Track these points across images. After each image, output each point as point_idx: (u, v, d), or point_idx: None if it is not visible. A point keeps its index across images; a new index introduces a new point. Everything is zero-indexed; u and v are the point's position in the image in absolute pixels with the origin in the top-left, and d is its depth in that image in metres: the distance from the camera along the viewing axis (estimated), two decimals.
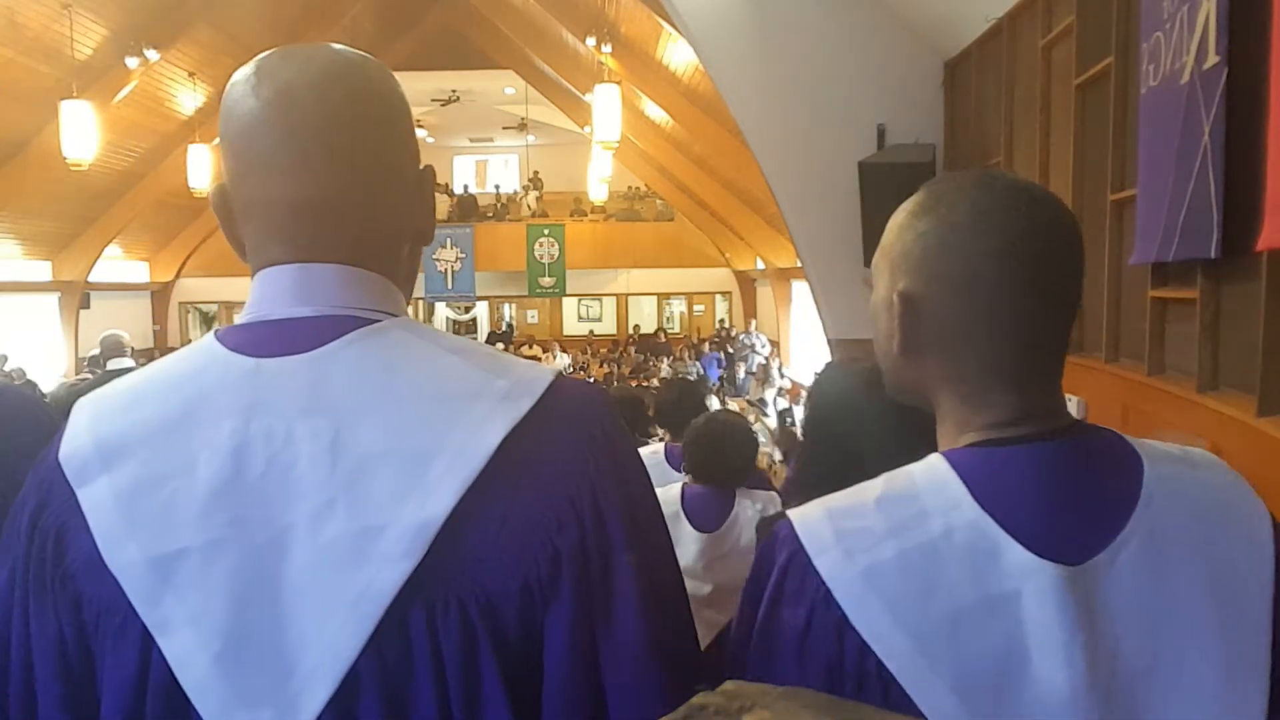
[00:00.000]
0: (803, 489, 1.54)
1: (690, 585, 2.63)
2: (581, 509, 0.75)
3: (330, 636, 0.71)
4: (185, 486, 0.73)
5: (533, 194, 18.90)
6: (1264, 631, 0.76)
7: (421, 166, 0.86)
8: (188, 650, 0.71)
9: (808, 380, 11.92)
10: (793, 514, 0.81)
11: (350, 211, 0.79)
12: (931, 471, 0.79)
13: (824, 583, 0.76)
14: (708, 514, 2.65)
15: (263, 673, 0.71)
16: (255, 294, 0.80)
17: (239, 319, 0.81)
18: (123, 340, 5.24)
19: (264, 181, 0.78)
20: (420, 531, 0.71)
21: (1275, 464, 2.26)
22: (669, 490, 2.64)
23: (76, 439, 0.78)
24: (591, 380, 13.90)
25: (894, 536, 0.76)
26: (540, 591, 0.73)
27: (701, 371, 14.11)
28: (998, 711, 0.72)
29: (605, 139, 9.91)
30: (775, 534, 0.81)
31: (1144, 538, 0.75)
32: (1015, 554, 0.74)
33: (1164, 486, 0.78)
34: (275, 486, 0.73)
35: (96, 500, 0.75)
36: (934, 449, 0.84)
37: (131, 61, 9.32)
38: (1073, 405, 3.46)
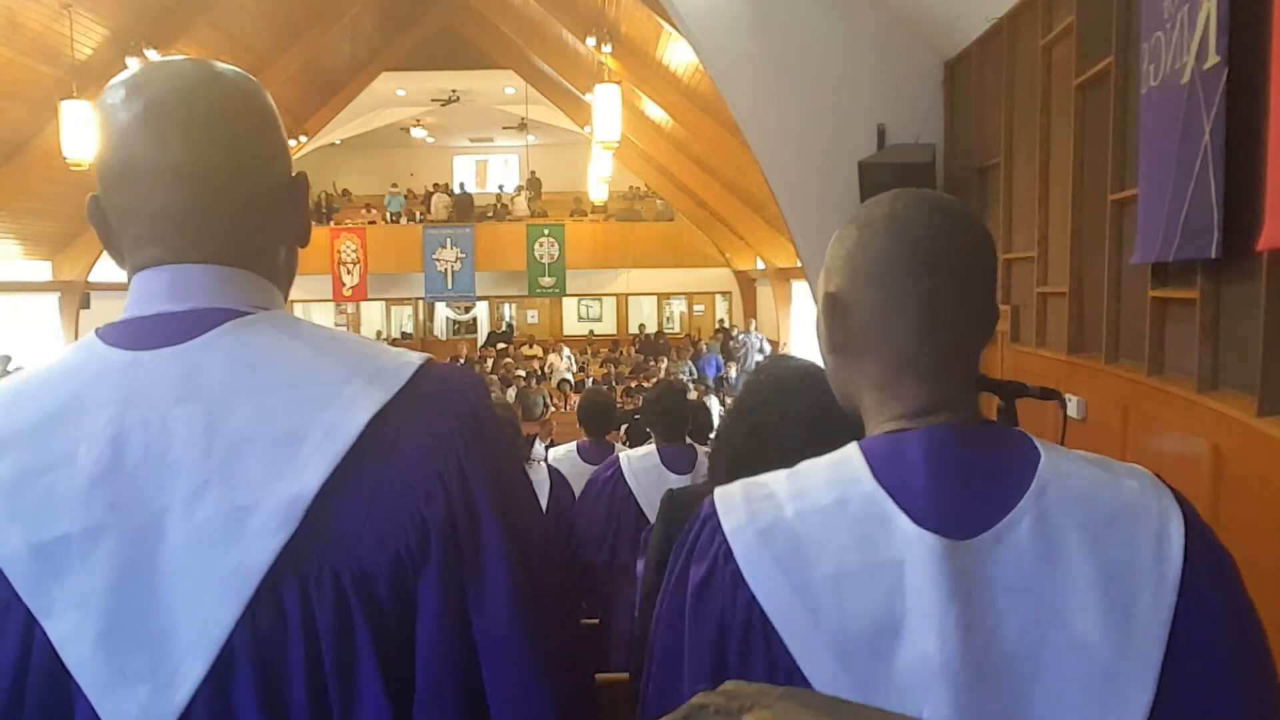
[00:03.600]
0: (717, 465, 1.60)
1: None
2: (449, 482, 0.78)
3: (204, 613, 0.74)
4: (66, 476, 0.76)
5: (524, 194, 18.91)
6: (1158, 639, 0.76)
7: (295, 174, 0.90)
8: (71, 632, 0.74)
9: None
10: (717, 490, 0.87)
11: (218, 217, 0.84)
12: (841, 453, 0.86)
13: (725, 539, 0.82)
14: (680, 462, 3.28)
15: (142, 650, 0.74)
16: (133, 294, 0.84)
17: (119, 318, 0.84)
18: None
19: (136, 191, 0.83)
20: (291, 506, 0.74)
21: (1275, 464, 2.26)
22: (650, 455, 3.25)
23: None
24: (591, 380, 13.90)
25: (793, 501, 0.82)
26: (411, 561, 0.77)
27: (695, 373, 14.09)
28: (871, 673, 0.76)
29: (605, 139, 9.91)
30: (700, 507, 0.87)
31: (1034, 523, 0.79)
32: (902, 525, 0.79)
33: (1061, 481, 0.81)
34: (152, 471, 0.76)
35: None
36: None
37: (131, 61, 9.32)
38: (1073, 405, 3.47)
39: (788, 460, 0.88)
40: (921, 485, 0.80)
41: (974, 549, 0.78)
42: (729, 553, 0.81)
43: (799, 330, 13.68)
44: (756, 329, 15.03)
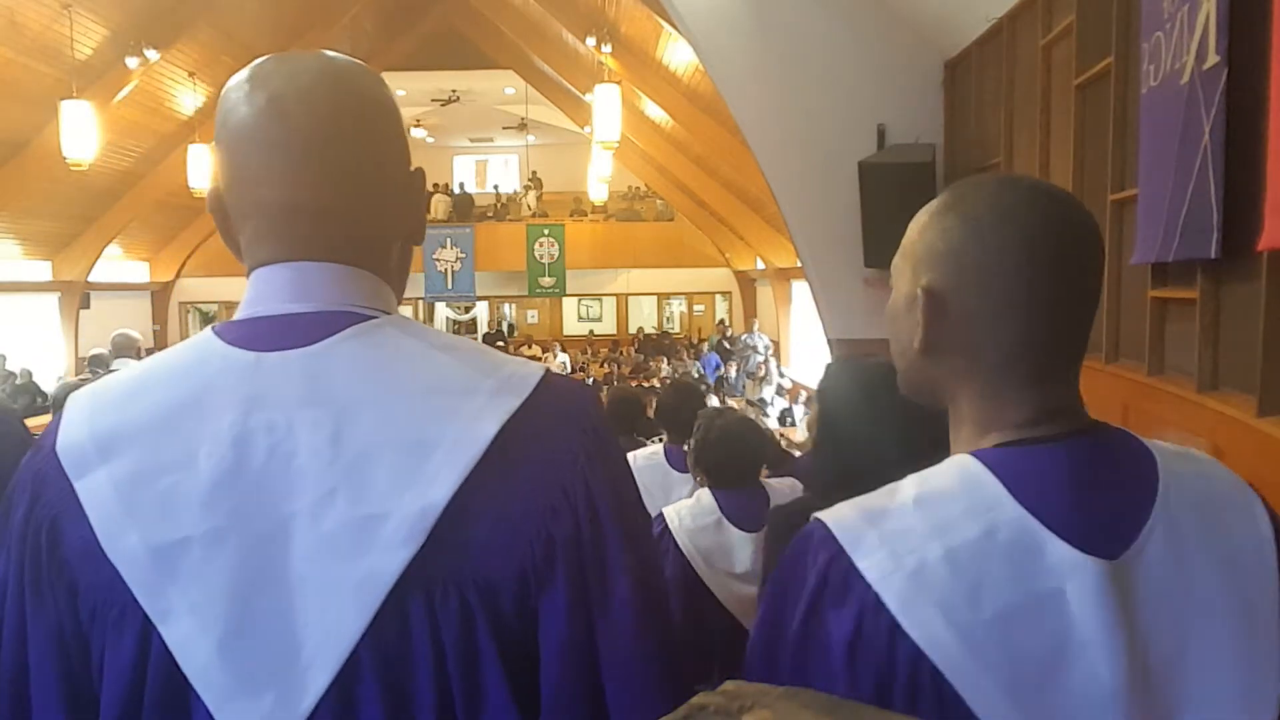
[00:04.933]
0: (819, 491, 1.53)
1: (750, 590, 2.50)
2: (575, 498, 0.77)
3: (332, 622, 0.72)
4: (186, 477, 0.74)
5: (532, 194, 18.91)
6: (1274, 617, 0.78)
7: (413, 169, 0.89)
8: (190, 638, 0.73)
9: (807, 380, 11.95)
10: (825, 516, 0.80)
11: (340, 214, 0.82)
12: (965, 471, 0.79)
13: (870, 587, 0.75)
14: (747, 515, 2.54)
15: (265, 659, 0.73)
16: (251, 292, 0.82)
17: (236, 315, 0.83)
18: (134, 340, 5.21)
19: (256, 188, 0.81)
20: (421, 519, 0.73)
21: (1275, 464, 2.26)
22: (701, 498, 2.57)
23: (73, 431, 0.79)
24: (592, 380, 13.91)
25: (938, 537, 0.75)
26: (536, 577, 0.75)
27: (701, 371, 14.11)
28: (1045, 708, 0.73)
29: (605, 139, 9.91)
30: (809, 535, 0.80)
31: (1165, 530, 0.77)
32: (1059, 550, 0.75)
33: (1177, 482, 0.80)
34: (277, 477, 0.74)
35: (95, 491, 0.76)
36: (942, 452, 0.84)
37: (131, 61, 9.32)
38: None
39: (888, 472, 0.83)
40: (1065, 504, 0.76)
41: (1125, 566, 0.76)
42: (879, 602, 0.74)
43: (799, 330, 13.67)
44: (758, 329, 15.01)
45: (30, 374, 11.01)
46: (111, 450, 0.76)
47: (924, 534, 0.76)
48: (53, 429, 0.81)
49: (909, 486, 0.80)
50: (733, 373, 13.68)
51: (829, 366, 1.69)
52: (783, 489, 2.70)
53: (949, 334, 0.82)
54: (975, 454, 0.80)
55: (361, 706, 0.73)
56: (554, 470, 0.77)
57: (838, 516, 0.79)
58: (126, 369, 0.85)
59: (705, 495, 2.58)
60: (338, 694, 0.72)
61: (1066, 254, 0.80)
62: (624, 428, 4.11)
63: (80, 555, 0.75)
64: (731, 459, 2.59)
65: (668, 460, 3.36)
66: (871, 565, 0.75)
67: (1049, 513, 0.76)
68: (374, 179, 0.84)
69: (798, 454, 4.82)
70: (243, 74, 0.83)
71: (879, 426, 1.41)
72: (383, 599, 0.72)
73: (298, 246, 0.81)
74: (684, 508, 2.56)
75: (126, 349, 5.18)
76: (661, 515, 2.54)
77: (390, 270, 0.87)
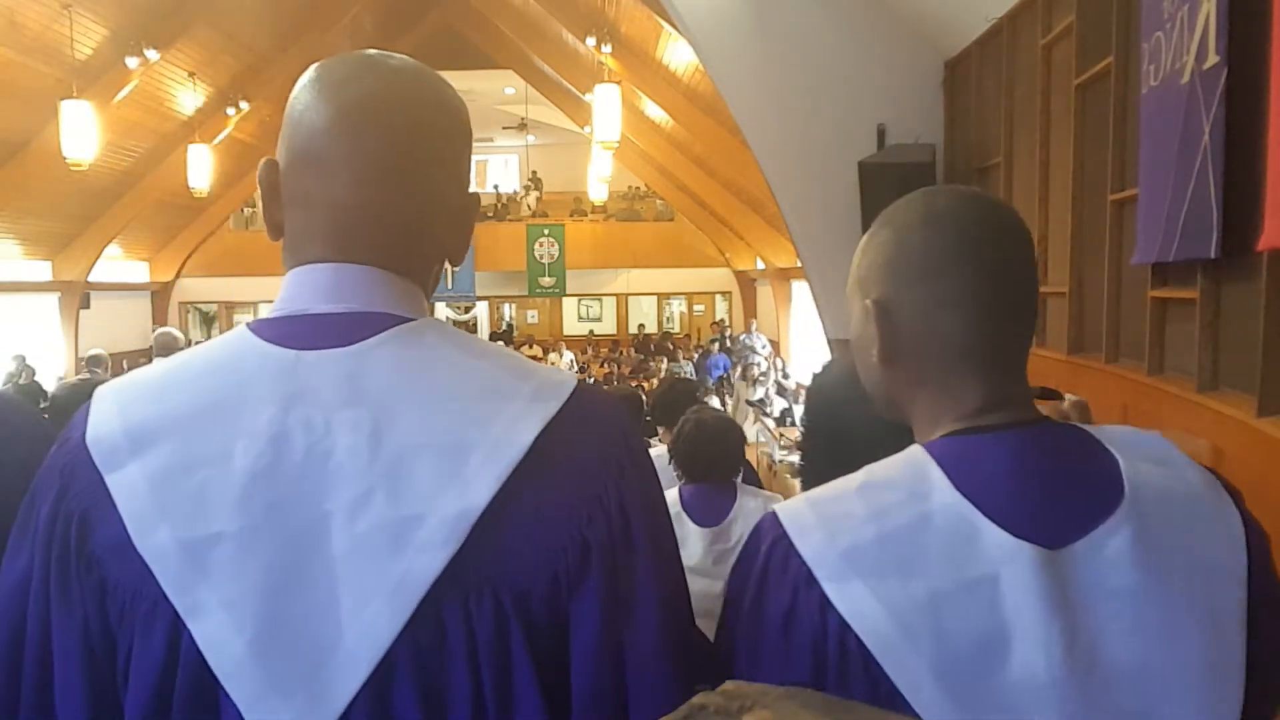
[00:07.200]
0: (810, 481, 1.55)
1: (701, 584, 2.51)
2: (608, 504, 0.77)
3: (366, 623, 0.72)
4: (221, 472, 0.74)
5: (533, 194, 18.92)
6: (1240, 630, 0.77)
7: (469, 193, 0.89)
8: (221, 635, 0.71)
9: (806, 380, 11.93)
10: (777, 507, 0.84)
11: (394, 223, 0.82)
12: (910, 460, 0.82)
13: (805, 563, 0.78)
14: (708, 509, 2.62)
15: (297, 659, 0.71)
16: (290, 289, 0.82)
17: (272, 313, 0.82)
18: (177, 338, 5.22)
19: (318, 182, 0.81)
20: (459, 521, 0.73)
21: (1275, 464, 2.26)
22: (668, 493, 2.61)
23: (104, 424, 0.78)
24: (593, 380, 13.91)
25: (874, 520, 0.78)
26: (567, 580, 0.75)
27: (695, 374, 14.08)
28: (975, 693, 0.73)
29: (605, 139, 9.91)
30: (759, 526, 0.84)
31: (1135, 530, 0.77)
32: (994, 536, 0.75)
33: (1146, 481, 0.79)
34: (314, 475, 0.74)
35: (127, 484, 0.75)
36: None
37: (131, 61, 9.32)
38: None
39: (872, 458, 0.85)
40: (1007, 493, 0.77)
41: (1069, 557, 0.75)
42: (811, 578, 0.77)
43: (799, 330, 13.67)
44: (757, 329, 15.00)
45: (34, 371, 11.01)
46: (144, 443, 0.75)
47: (861, 517, 0.78)
48: (79, 422, 0.79)
49: (858, 477, 0.83)
50: (737, 373, 13.68)
51: (822, 367, 1.70)
52: (761, 494, 2.74)
53: (900, 341, 0.85)
54: (924, 445, 0.83)
55: (396, 707, 0.72)
56: (589, 477, 0.78)
57: (785, 505, 0.83)
58: (156, 364, 0.85)
59: (672, 492, 2.61)
60: (371, 695, 0.72)
61: (999, 252, 0.83)
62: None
63: (110, 550, 0.74)
64: (700, 454, 2.64)
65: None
66: (808, 544, 0.78)
67: (987, 499, 0.77)
68: (434, 195, 0.84)
69: (795, 456, 4.81)
70: (326, 68, 0.83)
71: (863, 425, 1.42)
72: (419, 600, 0.72)
73: (342, 248, 0.81)
74: None
75: (170, 348, 5.18)
76: None
77: (427, 283, 0.88)
